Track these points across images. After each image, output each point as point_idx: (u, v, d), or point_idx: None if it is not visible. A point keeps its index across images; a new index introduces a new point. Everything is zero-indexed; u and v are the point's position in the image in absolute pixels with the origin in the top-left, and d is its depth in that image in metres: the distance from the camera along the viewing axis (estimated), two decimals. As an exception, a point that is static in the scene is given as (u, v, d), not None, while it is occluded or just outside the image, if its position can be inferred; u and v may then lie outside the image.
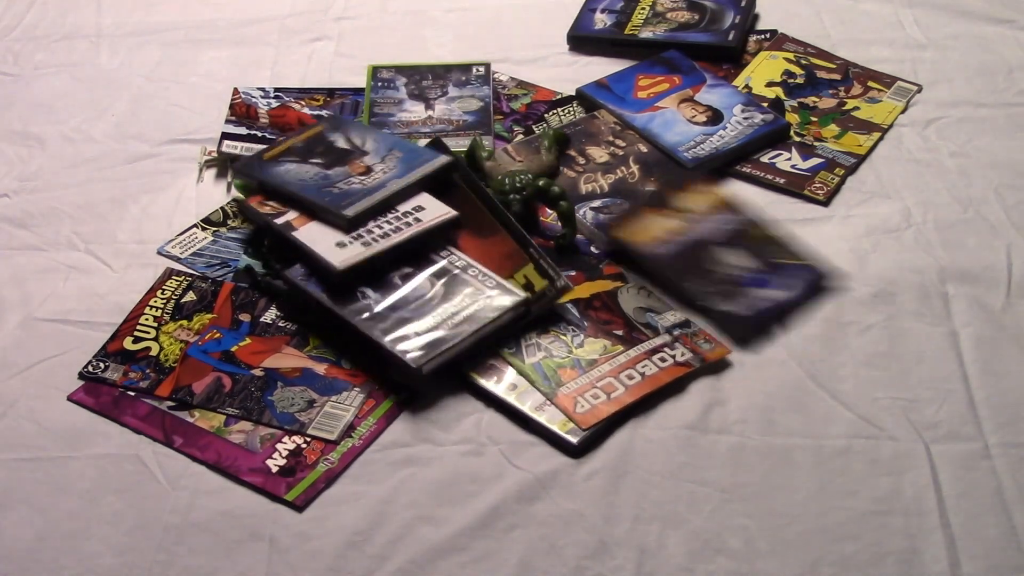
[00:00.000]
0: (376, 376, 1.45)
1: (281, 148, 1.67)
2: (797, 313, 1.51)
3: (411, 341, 1.41)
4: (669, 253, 1.57)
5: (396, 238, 1.51)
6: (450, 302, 1.46)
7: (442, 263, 1.51)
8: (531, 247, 1.53)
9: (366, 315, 1.44)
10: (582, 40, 2.02)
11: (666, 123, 1.80)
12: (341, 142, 1.67)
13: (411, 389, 1.43)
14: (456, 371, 1.44)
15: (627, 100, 1.85)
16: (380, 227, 1.52)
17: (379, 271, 1.49)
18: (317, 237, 1.52)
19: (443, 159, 1.60)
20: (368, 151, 1.65)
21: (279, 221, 1.55)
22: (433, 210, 1.55)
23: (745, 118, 1.80)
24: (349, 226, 1.51)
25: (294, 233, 1.53)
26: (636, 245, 1.58)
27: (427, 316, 1.44)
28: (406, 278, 1.49)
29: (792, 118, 1.83)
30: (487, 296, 1.46)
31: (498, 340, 1.46)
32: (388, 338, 1.42)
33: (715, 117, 1.80)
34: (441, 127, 1.80)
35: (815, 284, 1.54)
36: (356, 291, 1.47)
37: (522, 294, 1.47)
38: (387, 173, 1.59)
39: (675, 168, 1.71)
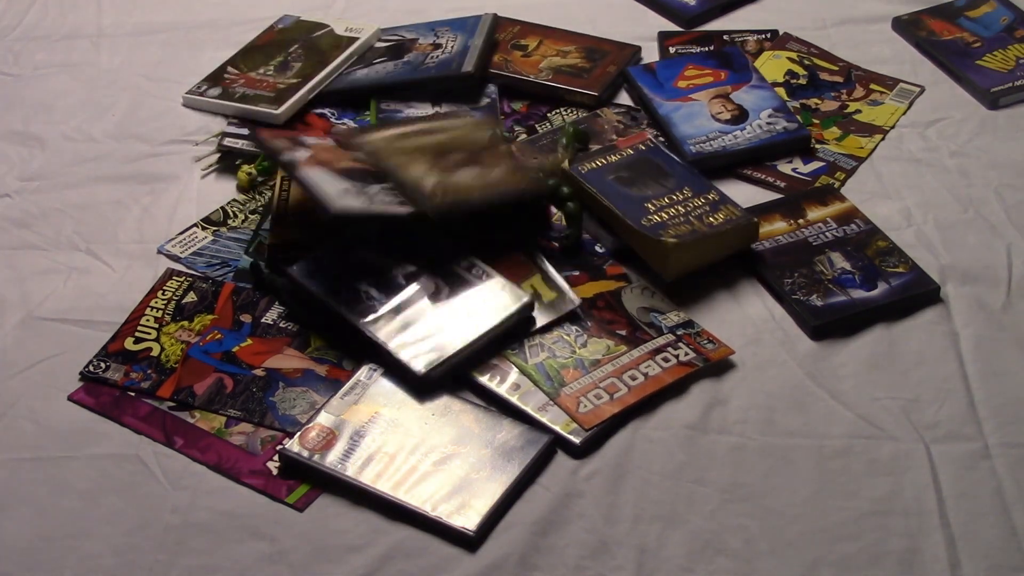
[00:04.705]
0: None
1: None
2: (874, 314, 1.50)
3: (416, 346, 1.41)
4: (774, 248, 1.58)
5: (397, 209, 1.50)
6: (455, 303, 1.45)
7: (448, 262, 1.50)
8: (538, 259, 1.52)
9: (371, 317, 1.44)
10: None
11: (689, 115, 1.79)
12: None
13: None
14: (459, 373, 1.44)
15: (665, 87, 1.85)
16: (384, 193, 1.51)
17: (373, 232, 1.48)
18: (321, 179, 1.51)
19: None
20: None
21: (287, 157, 1.54)
22: None
23: (768, 123, 1.78)
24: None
25: (298, 171, 1.52)
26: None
27: (432, 319, 1.44)
28: (410, 278, 1.49)
29: (793, 119, 1.83)
30: (492, 297, 1.46)
31: (507, 342, 1.45)
32: (393, 343, 1.41)
33: (740, 117, 1.80)
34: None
35: (905, 291, 1.52)
36: (360, 291, 1.47)
37: (527, 296, 1.46)
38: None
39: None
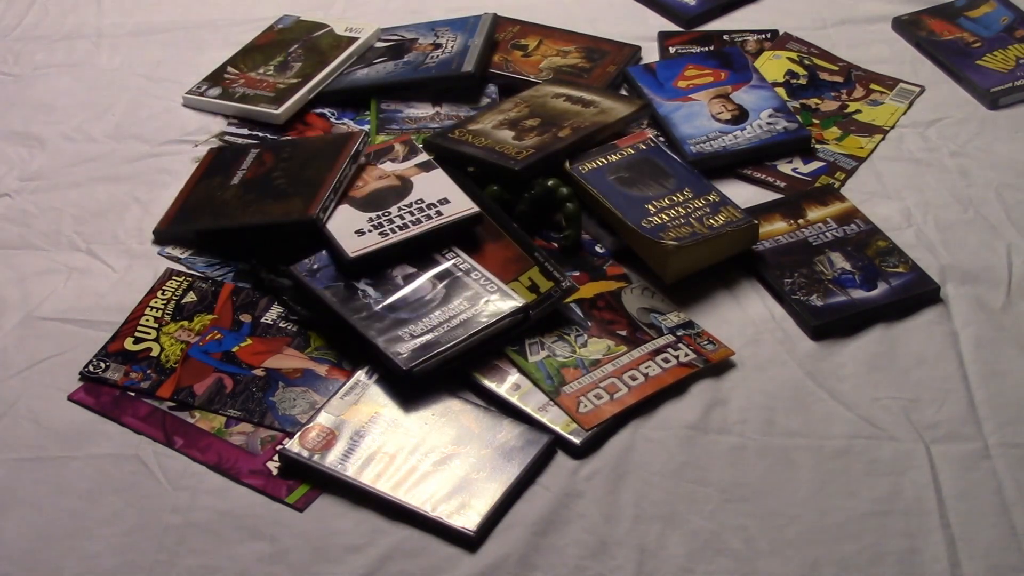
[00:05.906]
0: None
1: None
2: (874, 314, 1.50)
3: (404, 343, 1.41)
4: (774, 248, 1.58)
5: (415, 230, 1.51)
6: (449, 305, 1.46)
7: (446, 265, 1.50)
8: (536, 251, 1.53)
9: (364, 314, 1.44)
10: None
11: (690, 115, 1.79)
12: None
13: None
14: (458, 372, 1.44)
15: (665, 87, 1.85)
16: (401, 216, 1.52)
17: (396, 261, 1.49)
18: (338, 222, 1.52)
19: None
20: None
21: None
22: (457, 204, 1.55)
23: (768, 123, 1.78)
24: None
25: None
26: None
27: (424, 318, 1.44)
28: (408, 278, 1.49)
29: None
30: (486, 301, 1.46)
31: (497, 345, 1.45)
32: (382, 339, 1.41)
33: (740, 117, 1.79)
34: (449, 124, 1.80)
35: (905, 291, 1.52)
36: (357, 290, 1.47)
37: (521, 301, 1.46)
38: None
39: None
